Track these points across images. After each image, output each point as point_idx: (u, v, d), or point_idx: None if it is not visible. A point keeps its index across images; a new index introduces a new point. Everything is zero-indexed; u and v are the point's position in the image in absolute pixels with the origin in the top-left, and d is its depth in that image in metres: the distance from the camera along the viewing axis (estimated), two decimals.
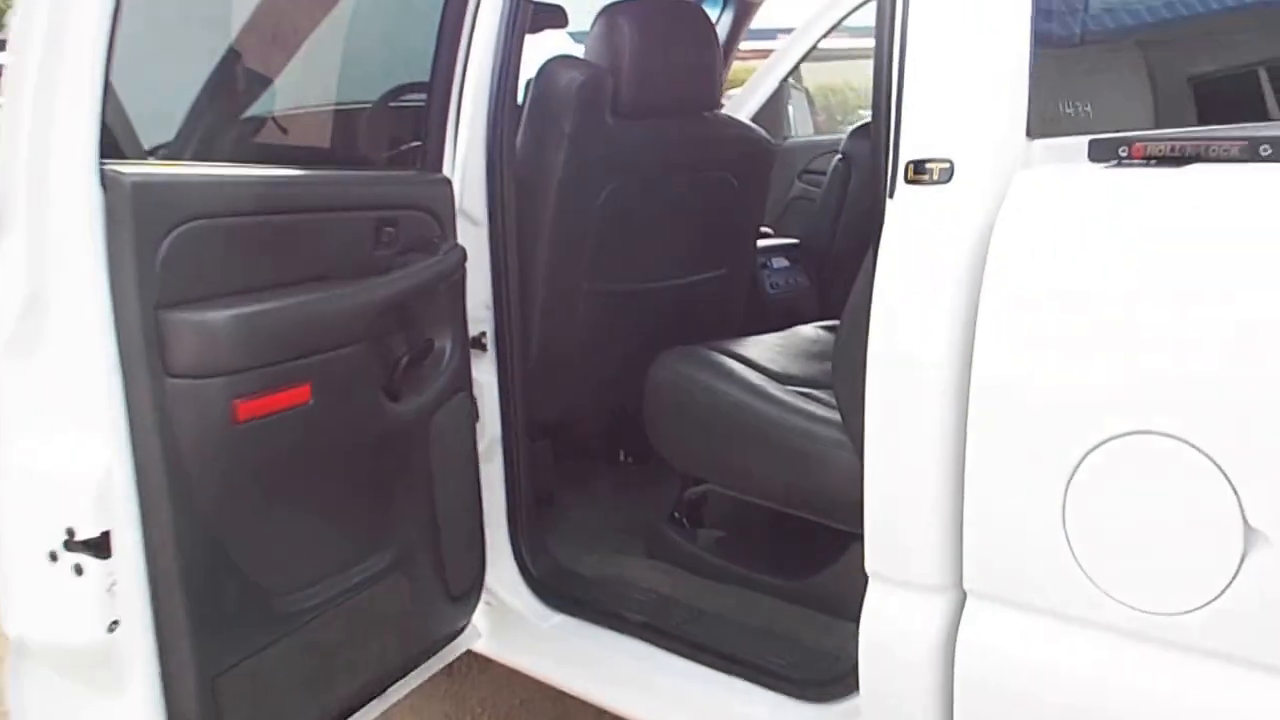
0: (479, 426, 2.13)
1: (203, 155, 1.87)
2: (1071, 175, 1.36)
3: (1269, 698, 1.23)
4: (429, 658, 2.03)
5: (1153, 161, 1.32)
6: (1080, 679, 1.36)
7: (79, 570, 1.40)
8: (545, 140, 2.27)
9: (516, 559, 2.25)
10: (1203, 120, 1.65)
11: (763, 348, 2.34)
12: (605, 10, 2.34)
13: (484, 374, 2.16)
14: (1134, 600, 1.29)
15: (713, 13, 3.34)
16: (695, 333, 2.34)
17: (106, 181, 1.39)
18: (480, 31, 2.13)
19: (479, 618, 2.22)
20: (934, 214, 1.41)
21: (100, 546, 1.40)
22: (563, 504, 2.52)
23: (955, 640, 1.45)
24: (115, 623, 1.42)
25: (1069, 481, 1.31)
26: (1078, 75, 1.60)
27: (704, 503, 2.43)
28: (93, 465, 1.40)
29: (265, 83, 2.24)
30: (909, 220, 1.43)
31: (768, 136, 2.72)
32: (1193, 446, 1.22)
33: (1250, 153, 1.28)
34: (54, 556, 1.41)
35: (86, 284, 1.39)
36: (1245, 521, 1.20)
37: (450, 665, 2.17)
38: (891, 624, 1.51)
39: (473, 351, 2.12)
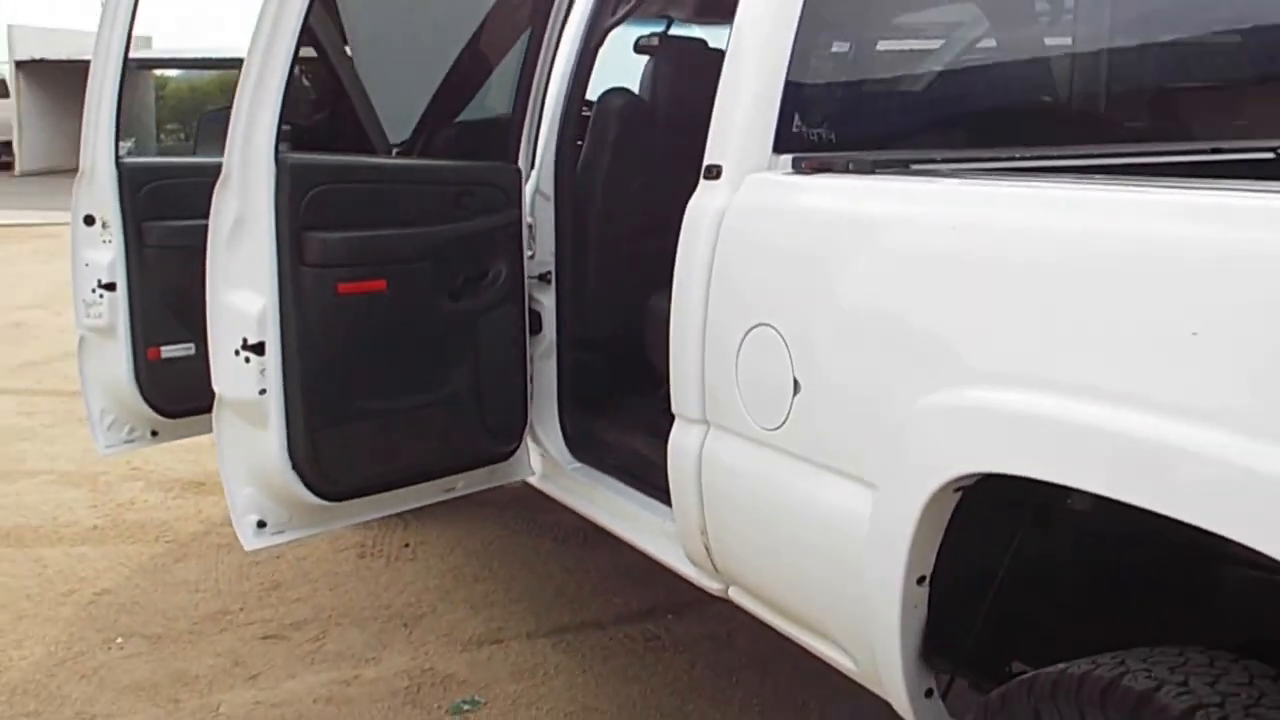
0: (540, 336, 3.33)
1: (423, 152, 3.21)
2: (772, 178, 2.38)
3: (818, 478, 2.22)
4: (474, 469, 3.25)
5: (809, 171, 2.34)
6: (745, 470, 2.40)
7: (246, 360, 2.73)
8: (599, 144, 3.45)
9: (560, 423, 3.44)
10: (899, 145, 2.60)
11: None
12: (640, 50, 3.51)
13: (547, 300, 3.35)
14: (762, 422, 2.32)
15: None
16: None
17: (278, 162, 2.70)
18: (557, 67, 3.33)
19: (536, 461, 3.45)
20: (707, 197, 2.47)
21: (258, 349, 2.72)
22: (601, 393, 3.66)
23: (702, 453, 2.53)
24: (263, 390, 2.74)
25: (738, 353, 2.35)
26: (821, 111, 2.54)
27: None
28: (258, 307, 2.72)
29: (458, 101, 3.58)
30: (699, 201, 2.50)
31: None
32: (777, 332, 2.25)
33: (866, 168, 2.29)
34: (236, 352, 2.74)
35: (264, 214, 2.71)
36: (794, 376, 2.22)
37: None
38: (680, 446, 2.60)
39: (541, 284, 3.34)
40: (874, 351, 2.07)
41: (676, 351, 2.55)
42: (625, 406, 3.58)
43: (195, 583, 4.32)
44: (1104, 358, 1.65)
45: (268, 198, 2.69)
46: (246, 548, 2.92)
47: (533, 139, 3.28)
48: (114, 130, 3.55)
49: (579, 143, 3.48)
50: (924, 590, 2.00)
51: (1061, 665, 1.71)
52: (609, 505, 3.24)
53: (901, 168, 2.31)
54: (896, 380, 1.99)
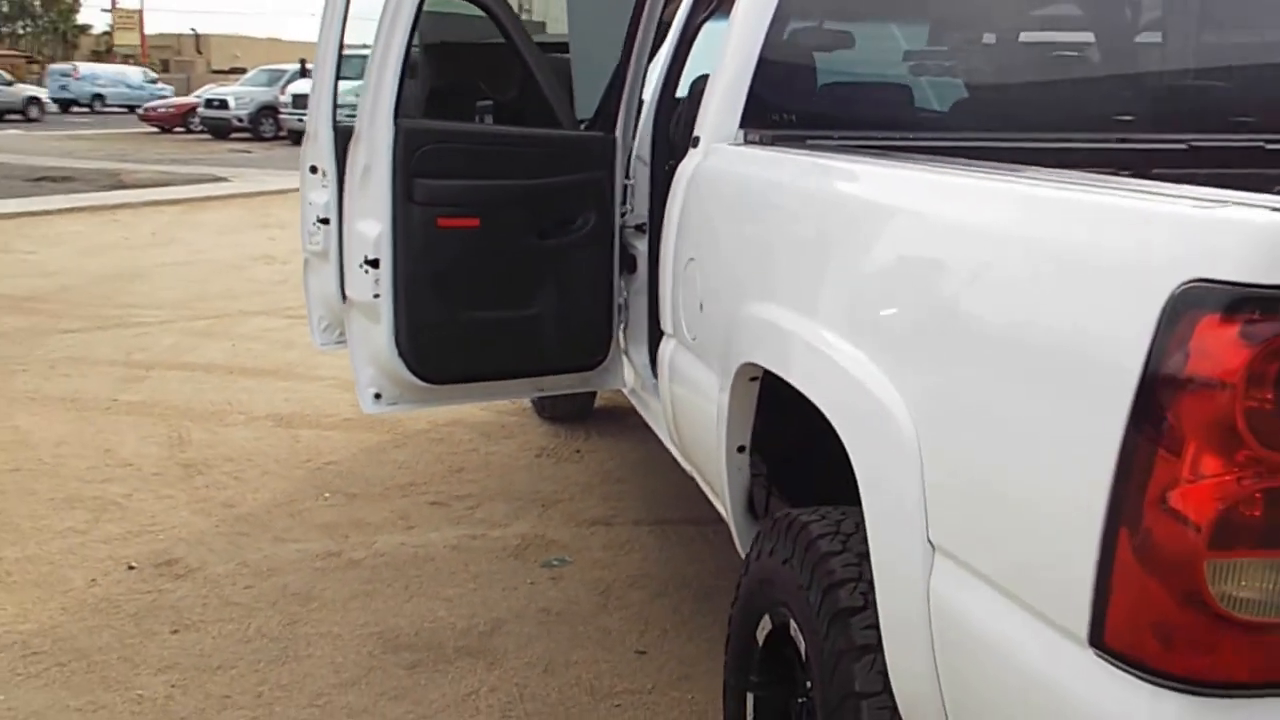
0: (635, 275, 4.13)
1: (590, 125, 4.04)
2: (722, 148, 3.08)
3: (707, 375, 2.92)
4: (562, 374, 4.08)
5: (748, 144, 3.02)
6: (683, 373, 3.13)
7: (366, 272, 3.69)
8: (686, 122, 4.18)
9: (649, 350, 4.23)
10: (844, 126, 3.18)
11: None
12: None
13: (642, 246, 4.13)
14: (690, 334, 3.05)
15: None
16: None
17: (395, 125, 3.64)
18: (659, 58, 4.09)
19: (629, 376, 4.25)
20: (687, 162, 3.20)
21: (375, 264, 3.67)
22: None
23: (669, 361, 3.28)
24: (377, 295, 3.70)
25: (682, 282, 3.09)
26: (785, 96, 3.17)
27: None
28: (376, 232, 3.67)
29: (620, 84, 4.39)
30: (682, 165, 3.23)
31: None
32: (699, 264, 2.97)
33: (799, 143, 2.95)
34: (361, 265, 3.71)
35: (384, 164, 3.65)
36: (700, 299, 2.94)
37: None
38: (661, 356, 3.35)
39: (637, 233, 4.13)
40: (729, 278, 2.75)
41: (660, 283, 3.29)
42: None
43: (401, 463, 5.42)
44: (791, 282, 2.29)
45: (387, 152, 3.62)
46: (364, 411, 3.90)
47: (633, 115, 4.05)
48: (332, 101, 4.62)
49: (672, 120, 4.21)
50: (744, 457, 2.67)
51: (795, 510, 2.36)
52: None
53: (800, 143, 2.93)
54: (734, 298, 2.67)
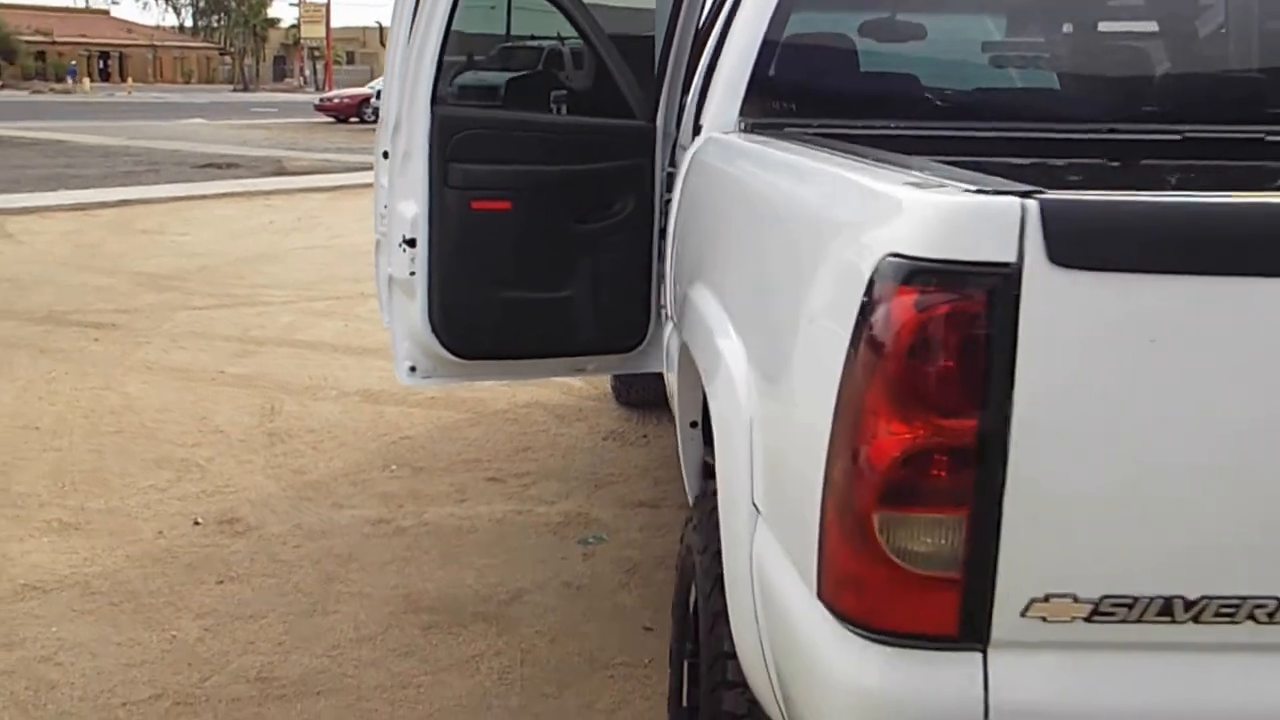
0: None
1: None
2: (716, 136, 3.18)
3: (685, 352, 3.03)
4: (600, 355, 4.21)
5: (740, 134, 3.11)
6: (672, 344, 3.24)
7: (404, 250, 3.88)
8: None
9: None
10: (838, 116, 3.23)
11: None
12: None
13: None
14: (677, 315, 3.15)
15: None
16: None
17: (432, 113, 3.82)
18: (706, 52, 4.18)
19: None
20: (691, 149, 3.30)
21: (412, 243, 3.86)
22: None
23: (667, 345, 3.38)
24: (413, 272, 3.89)
25: (676, 263, 3.19)
26: (780, 89, 3.24)
27: None
28: (413, 213, 3.87)
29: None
30: (686, 155, 3.33)
31: None
32: (684, 243, 3.07)
33: (777, 132, 3.04)
34: (400, 245, 3.91)
35: (421, 149, 3.84)
36: (674, 279, 3.04)
37: None
38: (667, 338, 3.46)
39: None
40: (686, 261, 2.84)
41: (668, 267, 3.39)
42: None
43: (471, 440, 5.64)
44: (705, 263, 2.38)
45: (423, 138, 3.81)
46: (400, 382, 4.10)
47: (675, 104, 4.15)
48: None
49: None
50: (696, 432, 2.75)
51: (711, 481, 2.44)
52: None
53: (776, 131, 2.99)
54: (685, 280, 2.76)
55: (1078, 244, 1.25)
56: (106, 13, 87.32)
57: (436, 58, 3.77)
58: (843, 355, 1.36)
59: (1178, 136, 2.98)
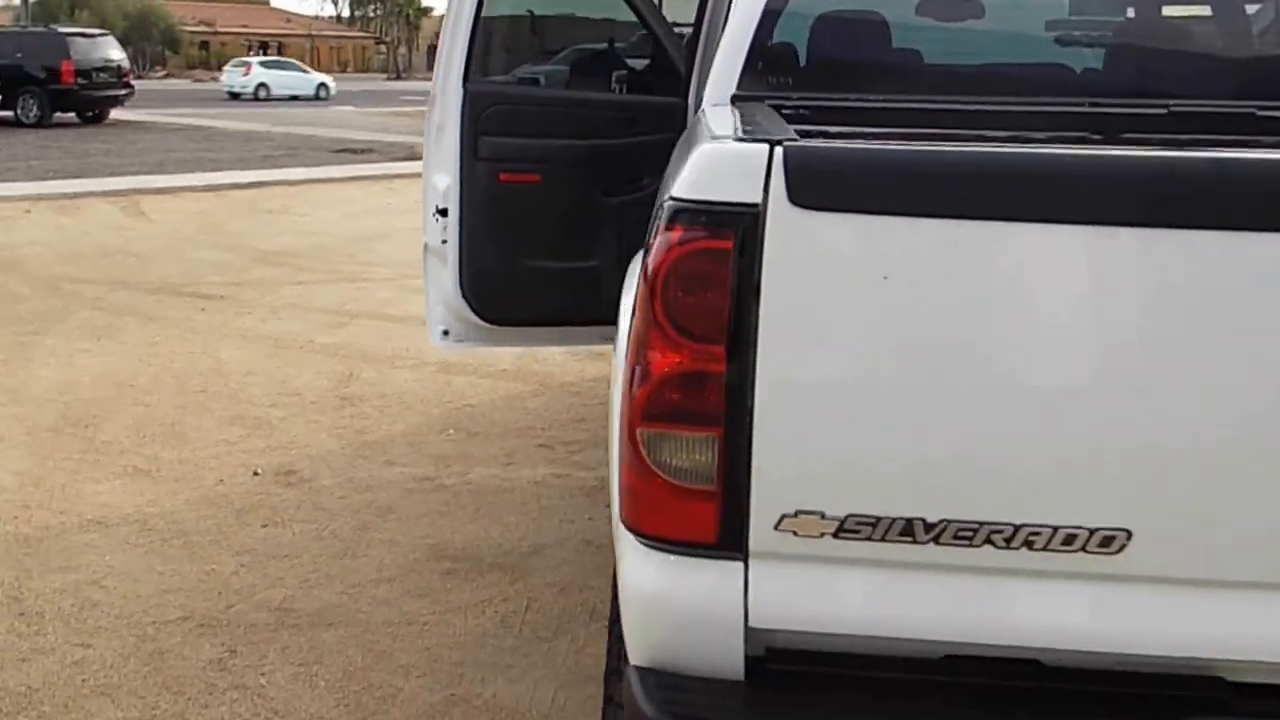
0: None
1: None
2: (707, 108, 3.32)
3: None
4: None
5: (728, 107, 3.26)
6: None
7: (436, 219, 4.12)
8: None
9: None
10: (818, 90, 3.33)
11: None
12: None
13: None
14: None
15: None
16: None
17: (465, 89, 4.04)
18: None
19: None
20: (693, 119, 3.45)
21: (444, 213, 4.10)
22: None
23: None
24: (444, 240, 4.12)
25: None
26: (769, 68, 3.36)
27: None
28: (445, 184, 4.09)
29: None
30: (694, 120, 3.48)
31: None
32: None
33: (757, 106, 3.18)
34: (433, 214, 4.14)
35: (454, 123, 4.07)
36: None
37: None
38: None
39: None
40: None
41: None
42: None
43: (530, 409, 5.87)
44: None
45: (456, 112, 4.04)
46: (433, 344, 4.33)
47: (704, 80, 4.28)
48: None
49: None
50: None
51: None
52: None
53: (757, 104, 3.11)
54: None
55: (815, 187, 1.37)
56: (266, 3, 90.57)
57: (469, 37, 3.99)
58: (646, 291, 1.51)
59: (1163, 110, 3.01)
